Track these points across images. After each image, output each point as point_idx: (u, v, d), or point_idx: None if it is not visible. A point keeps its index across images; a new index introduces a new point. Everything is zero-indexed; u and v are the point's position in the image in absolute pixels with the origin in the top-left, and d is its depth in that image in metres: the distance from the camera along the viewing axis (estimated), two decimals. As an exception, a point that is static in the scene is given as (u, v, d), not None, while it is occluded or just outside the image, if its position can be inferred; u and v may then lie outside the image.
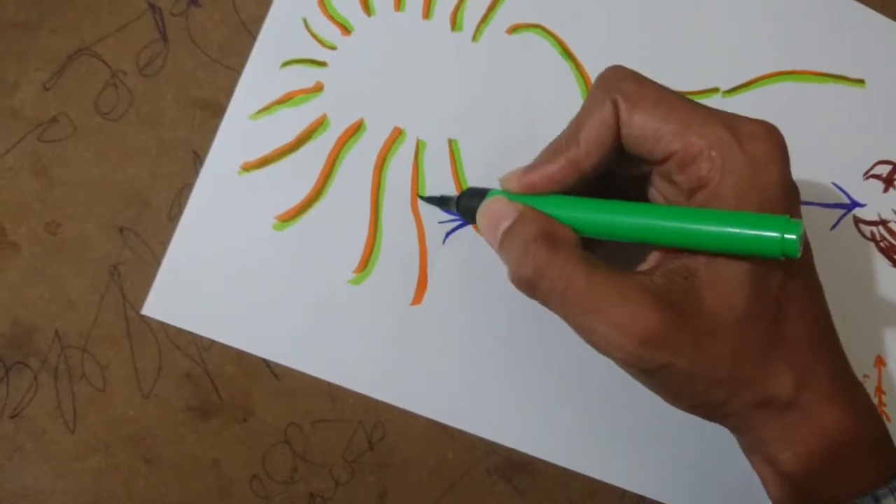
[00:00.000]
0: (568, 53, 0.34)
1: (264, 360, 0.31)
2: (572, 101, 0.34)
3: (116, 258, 0.30)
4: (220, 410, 0.31)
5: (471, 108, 0.33)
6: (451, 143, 0.33)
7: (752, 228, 0.24)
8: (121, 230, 0.31)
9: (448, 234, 0.33)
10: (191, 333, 0.31)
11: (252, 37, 0.32)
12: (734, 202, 0.25)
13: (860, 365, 0.34)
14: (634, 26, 0.35)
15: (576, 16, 0.34)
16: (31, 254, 0.30)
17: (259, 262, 0.31)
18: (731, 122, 0.26)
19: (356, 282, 0.32)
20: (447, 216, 0.33)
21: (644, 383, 0.27)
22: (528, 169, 0.28)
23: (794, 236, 0.23)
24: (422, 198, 0.32)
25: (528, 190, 0.28)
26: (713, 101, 0.35)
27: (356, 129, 0.32)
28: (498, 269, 0.28)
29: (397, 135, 0.33)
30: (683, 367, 0.25)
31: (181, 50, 0.31)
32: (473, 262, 0.32)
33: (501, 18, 0.34)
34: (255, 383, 0.31)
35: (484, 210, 0.28)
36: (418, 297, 0.32)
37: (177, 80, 0.31)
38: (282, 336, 0.31)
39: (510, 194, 0.28)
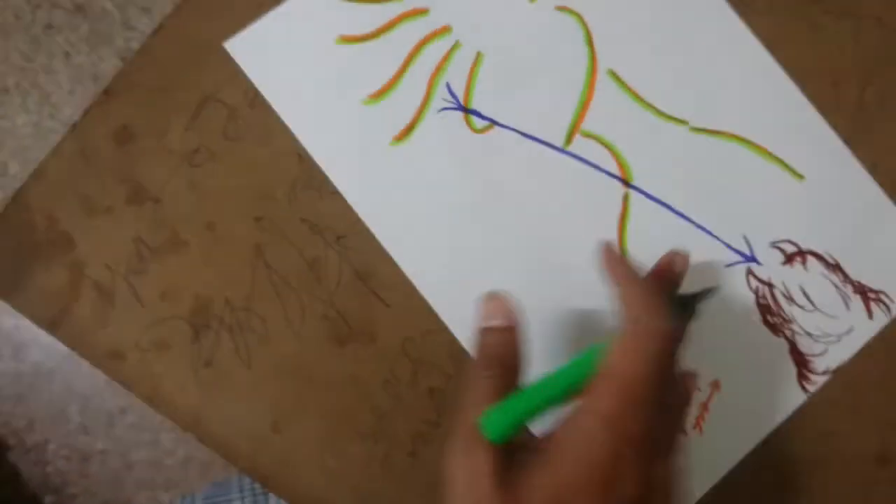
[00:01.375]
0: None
1: (375, 293, 0.41)
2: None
3: (258, 239, 0.41)
4: (351, 338, 0.41)
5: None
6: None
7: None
8: (257, 219, 0.42)
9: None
10: (320, 286, 0.41)
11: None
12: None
13: (700, 380, 0.42)
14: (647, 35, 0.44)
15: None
16: (198, 247, 0.41)
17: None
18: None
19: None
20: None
21: None
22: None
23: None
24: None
25: None
26: (680, 130, 0.43)
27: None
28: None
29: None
30: None
31: (273, 85, 0.43)
32: None
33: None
34: (374, 313, 0.42)
35: (487, 299, 0.37)
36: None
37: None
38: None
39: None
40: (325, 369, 0.41)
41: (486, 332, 0.36)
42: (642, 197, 0.43)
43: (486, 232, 0.42)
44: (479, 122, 0.43)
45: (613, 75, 0.43)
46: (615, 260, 0.38)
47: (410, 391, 0.41)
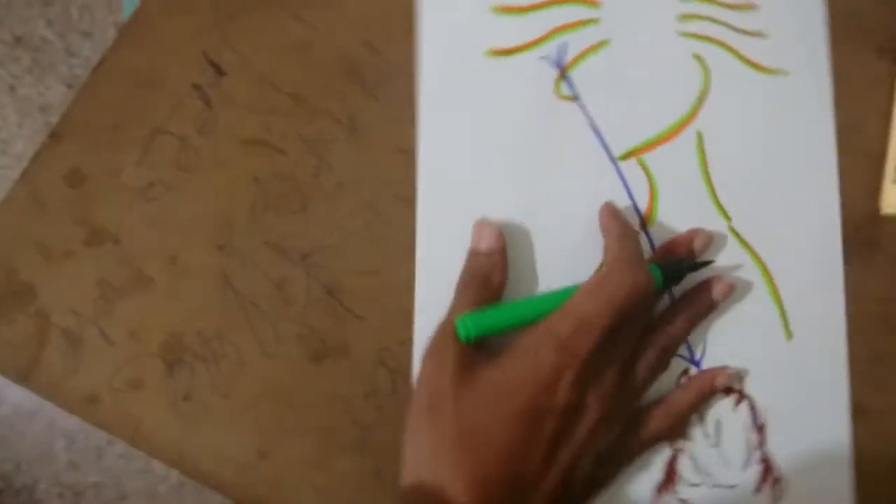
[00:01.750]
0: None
1: (347, 308, 0.42)
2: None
3: (223, 267, 0.41)
4: (327, 354, 0.42)
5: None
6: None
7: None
8: (219, 247, 0.41)
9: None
10: (288, 304, 0.41)
11: (277, 91, 0.43)
12: None
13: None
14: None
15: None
16: (163, 282, 0.41)
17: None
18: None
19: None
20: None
21: None
22: None
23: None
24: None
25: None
26: (720, 224, 0.44)
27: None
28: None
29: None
30: None
31: (224, 109, 0.42)
32: None
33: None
34: (347, 327, 0.42)
35: (478, 225, 0.42)
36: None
37: (226, 130, 0.42)
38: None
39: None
40: (304, 389, 0.41)
41: (472, 255, 0.41)
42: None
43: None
44: (565, 89, 0.44)
45: (699, 137, 0.44)
46: (611, 214, 0.41)
47: (392, 400, 0.42)
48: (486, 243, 0.40)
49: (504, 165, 0.44)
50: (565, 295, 0.38)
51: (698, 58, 0.45)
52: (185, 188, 0.42)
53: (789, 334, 0.43)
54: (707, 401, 0.42)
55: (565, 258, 0.43)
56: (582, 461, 0.37)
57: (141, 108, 0.42)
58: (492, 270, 0.40)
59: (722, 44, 0.46)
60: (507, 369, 0.37)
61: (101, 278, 0.41)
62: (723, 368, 0.42)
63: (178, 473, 0.45)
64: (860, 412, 0.44)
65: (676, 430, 0.41)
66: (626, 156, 0.44)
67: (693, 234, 0.42)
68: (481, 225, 0.41)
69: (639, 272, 0.37)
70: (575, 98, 0.44)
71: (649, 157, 0.45)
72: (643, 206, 0.44)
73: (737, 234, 0.44)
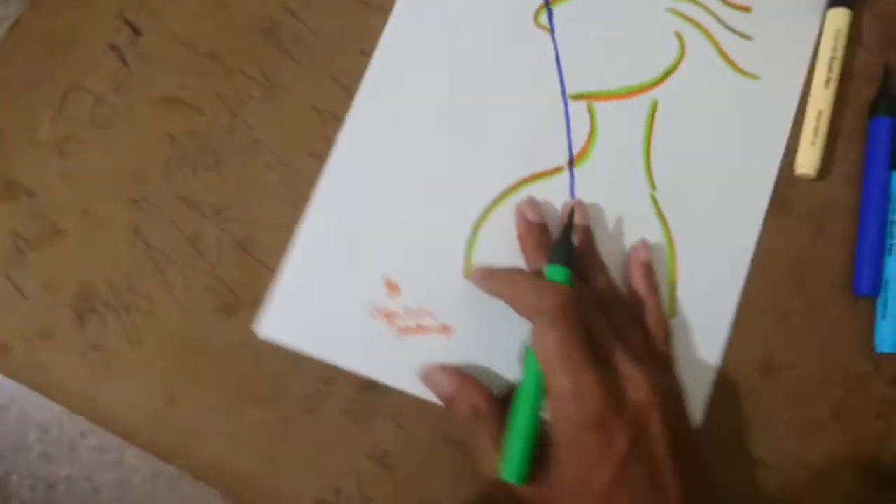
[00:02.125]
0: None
1: (259, 261, 0.42)
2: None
3: (136, 220, 0.42)
4: (238, 307, 0.42)
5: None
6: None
7: (516, 446, 0.38)
8: (133, 201, 0.42)
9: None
10: (202, 259, 0.42)
11: (194, 50, 0.44)
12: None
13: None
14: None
15: None
16: (76, 234, 0.42)
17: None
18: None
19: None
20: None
21: None
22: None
23: (506, 477, 0.37)
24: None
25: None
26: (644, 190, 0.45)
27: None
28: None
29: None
30: None
31: (141, 67, 0.43)
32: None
33: None
34: (259, 280, 0.42)
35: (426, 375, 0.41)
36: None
37: (142, 88, 0.43)
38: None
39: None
40: (215, 340, 0.42)
41: (448, 407, 0.41)
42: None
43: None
44: (544, 19, 0.46)
45: (654, 105, 0.46)
46: (486, 277, 0.42)
47: (301, 354, 0.42)
48: (447, 388, 0.40)
49: (458, 77, 0.45)
50: (534, 384, 0.38)
51: (678, 35, 0.47)
52: (100, 144, 0.43)
53: (673, 312, 0.44)
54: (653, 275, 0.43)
55: (486, 171, 0.44)
56: (682, 444, 0.38)
57: (57, 67, 0.43)
58: (475, 404, 0.40)
59: (706, 32, 0.47)
60: (574, 470, 0.37)
61: (13, 230, 0.41)
62: (636, 246, 0.43)
63: (150, 466, 0.46)
64: (768, 368, 0.45)
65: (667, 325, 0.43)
66: (578, 96, 0.46)
67: (568, 207, 0.43)
68: (433, 373, 0.41)
69: (549, 299, 0.38)
70: (550, 31, 0.46)
71: (599, 106, 0.46)
72: (577, 147, 0.45)
73: (656, 204, 0.45)
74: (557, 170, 0.45)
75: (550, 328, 0.37)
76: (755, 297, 0.45)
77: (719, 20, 0.47)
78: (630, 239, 0.44)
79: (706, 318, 0.44)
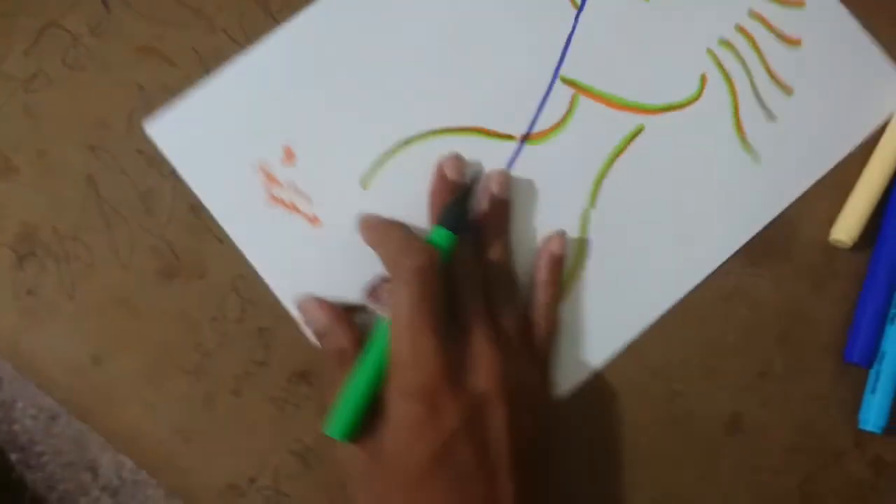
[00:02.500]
0: None
1: (209, 229, 0.40)
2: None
3: (91, 168, 0.41)
4: (180, 272, 0.40)
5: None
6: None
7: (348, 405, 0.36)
8: (91, 148, 0.41)
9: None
10: (152, 218, 0.40)
11: (179, 2, 0.42)
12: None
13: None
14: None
15: None
16: (28, 173, 0.40)
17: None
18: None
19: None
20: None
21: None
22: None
23: (329, 433, 0.36)
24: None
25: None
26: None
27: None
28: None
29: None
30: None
31: (122, 13, 0.42)
32: None
33: None
34: (205, 248, 0.40)
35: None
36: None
37: (120, 35, 0.42)
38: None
39: None
40: (150, 303, 0.40)
41: (318, 338, 0.40)
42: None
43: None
44: None
45: (637, 129, 0.43)
46: (367, 227, 0.40)
47: (238, 329, 0.40)
48: (318, 323, 0.39)
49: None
50: (382, 341, 0.36)
51: (703, 78, 0.44)
52: (68, 85, 0.41)
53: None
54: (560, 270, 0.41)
55: (436, 102, 0.42)
56: (520, 443, 0.35)
57: (38, 1, 0.41)
58: (342, 347, 0.38)
59: (733, 92, 0.44)
60: (392, 441, 0.35)
61: (-34, 160, 0.40)
62: (552, 236, 0.41)
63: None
64: (735, 425, 0.41)
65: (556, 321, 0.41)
66: (569, 81, 0.43)
67: (440, 171, 0.41)
68: (309, 304, 0.39)
69: (411, 258, 0.35)
70: (578, 8, 0.44)
71: (584, 101, 0.43)
72: (539, 126, 0.43)
73: (585, 221, 0.42)
74: (507, 137, 0.42)
75: (403, 286, 0.35)
76: (732, 347, 0.42)
77: (755, 90, 0.44)
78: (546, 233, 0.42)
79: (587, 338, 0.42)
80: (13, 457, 0.41)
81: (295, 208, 0.41)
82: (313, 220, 0.41)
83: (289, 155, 0.41)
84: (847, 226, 0.42)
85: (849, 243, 0.42)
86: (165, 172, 0.41)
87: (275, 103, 0.42)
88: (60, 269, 0.40)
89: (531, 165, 0.42)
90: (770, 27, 0.45)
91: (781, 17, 0.45)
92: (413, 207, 0.41)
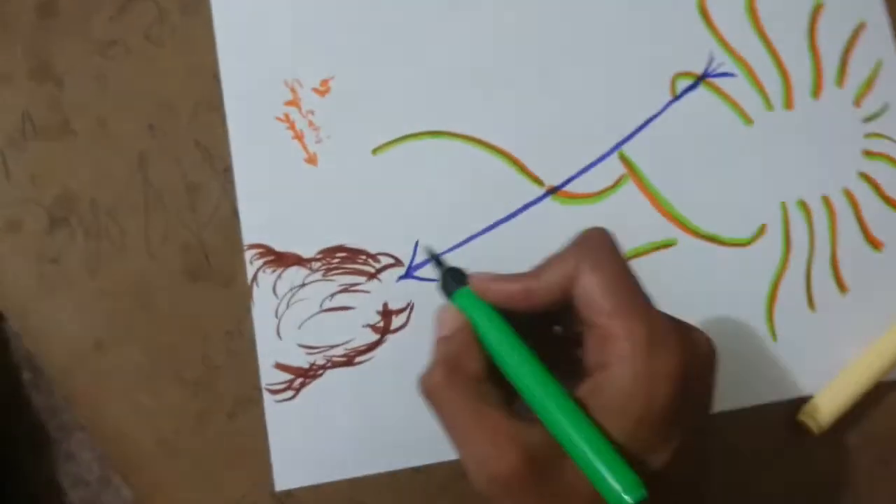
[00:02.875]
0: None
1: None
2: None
3: (145, 148, 0.39)
4: (206, 276, 0.38)
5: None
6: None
7: (604, 466, 0.26)
8: (150, 127, 0.39)
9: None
10: (193, 212, 0.38)
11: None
12: (620, 401, 0.27)
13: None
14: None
15: None
16: (84, 140, 0.39)
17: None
18: (656, 326, 0.27)
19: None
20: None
21: None
22: (495, 279, 0.30)
23: (629, 499, 0.25)
24: (428, 250, 0.35)
25: (485, 297, 0.30)
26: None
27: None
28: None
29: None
30: None
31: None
32: None
33: None
34: (238, 257, 0.38)
35: (438, 312, 0.31)
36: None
37: (209, 20, 0.40)
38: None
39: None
40: (168, 300, 0.38)
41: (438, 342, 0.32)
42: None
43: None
44: (680, 86, 0.41)
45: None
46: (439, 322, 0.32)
47: (250, 351, 0.38)
48: (447, 328, 0.31)
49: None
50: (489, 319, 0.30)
51: (761, 227, 0.40)
52: (144, 60, 0.40)
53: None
54: None
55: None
56: None
57: (137, -32, 0.40)
58: (459, 353, 0.30)
59: (812, 245, 0.40)
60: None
61: (27, 112, 0.39)
62: None
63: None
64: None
65: None
66: (625, 159, 0.40)
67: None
68: (442, 312, 0.32)
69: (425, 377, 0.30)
70: (674, 96, 0.40)
71: (628, 187, 0.40)
72: (572, 188, 0.40)
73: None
74: (537, 181, 0.40)
75: (425, 399, 0.29)
76: None
77: (809, 270, 0.40)
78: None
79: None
80: (25, 375, 0.39)
81: (300, 137, 0.39)
82: (311, 158, 0.39)
83: (324, 86, 0.39)
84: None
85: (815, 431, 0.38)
86: (219, 169, 0.39)
87: (346, 34, 0.40)
88: (89, 243, 0.38)
89: (541, 221, 0.39)
90: (860, 217, 0.41)
91: (875, 209, 0.41)
92: (407, 196, 0.39)
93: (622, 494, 0.25)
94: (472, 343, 0.29)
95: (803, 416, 0.38)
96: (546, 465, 0.27)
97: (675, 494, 0.27)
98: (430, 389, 0.29)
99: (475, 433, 0.27)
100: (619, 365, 0.27)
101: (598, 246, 0.29)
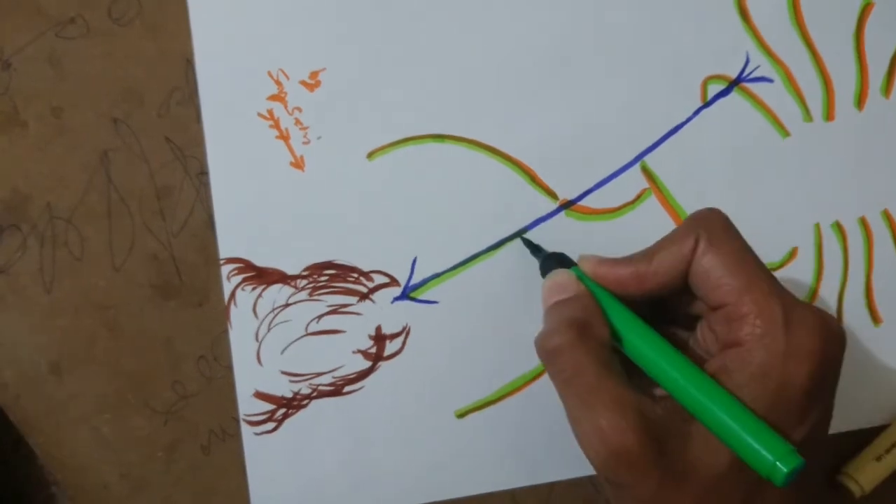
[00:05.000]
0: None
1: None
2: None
3: (108, 145, 0.34)
4: (179, 293, 0.34)
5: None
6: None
7: (752, 437, 0.25)
8: (115, 121, 0.34)
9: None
10: (163, 219, 0.34)
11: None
12: (756, 378, 0.26)
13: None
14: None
15: None
16: (36, 133, 0.34)
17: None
18: (789, 304, 0.27)
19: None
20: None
21: (606, 488, 0.28)
22: (604, 261, 0.30)
23: (784, 469, 0.24)
24: (523, 238, 0.35)
25: (594, 279, 0.30)
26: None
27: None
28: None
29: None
30: (641, 494, 0.26)
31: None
32: None
33: None
34: (214, 272, 0.34)
35: (553, 276, 0.31)
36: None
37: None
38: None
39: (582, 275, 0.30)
40: (135, 320, 0.34)
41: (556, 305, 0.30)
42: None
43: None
44: (711, 90, 0.37)
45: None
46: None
47: (227, 378, 0.34)
48: (567, 292, 0.30)
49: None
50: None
51: (793, 250, 0.37)
52: (108, 41, 0.34)
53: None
54: None
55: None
56: None
57: (99, -67, 0.35)
58: (587, 316, 0.29)
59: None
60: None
61: (-31, 99, 0.34)
62: None
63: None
64: None
65: None
66: (647, 171, 0.36)
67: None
68: (558, 276, 0.31)
69: (541, 341, 0.29)
70: (704, 103, 0.36)
71: (650, 203, 0.36)
72: (588, 202, 0.36)
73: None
74: (550, 194, 0.36)
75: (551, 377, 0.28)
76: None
77: (842, 296, 0.37)
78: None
79: None
80: None
81: (285, 137, 0.34)
82: (298, 162, 0.35)
83: (314, 79, 0.35)
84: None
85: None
86: (193, 172, 0.34)
87: (341, 19, 0.35)
88: (44, 253, 0.34)
89: (554, 237, 0.35)
90: None
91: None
92: (405, 207, 0.35)
93: (777, 463, 0.24)
94: (597, 308, 0.29)
95: (844, 479, 0.36)
96: (669, 441, 0.26)
97: (807, 474, 0.26)
98: (556, 349, 0.28)
99: (599, 400, 0.26)
100: (754, 342, 0.26)
101: (714, 224, 0.29)
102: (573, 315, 0.28)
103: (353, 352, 0.34)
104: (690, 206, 0.36)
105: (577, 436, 0.26)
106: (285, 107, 0.35)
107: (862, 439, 0.37)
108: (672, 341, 0.28)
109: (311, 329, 0.34)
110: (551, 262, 0.32)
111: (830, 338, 0.27)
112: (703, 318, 0.29)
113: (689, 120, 0.36)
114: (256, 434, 0.34)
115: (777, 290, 0.27)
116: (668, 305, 0.30)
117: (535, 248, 0.34)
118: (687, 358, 0.27)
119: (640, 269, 0.29)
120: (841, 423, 0.37)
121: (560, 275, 0.30)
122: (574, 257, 0.33)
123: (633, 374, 0.28)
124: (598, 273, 0.30)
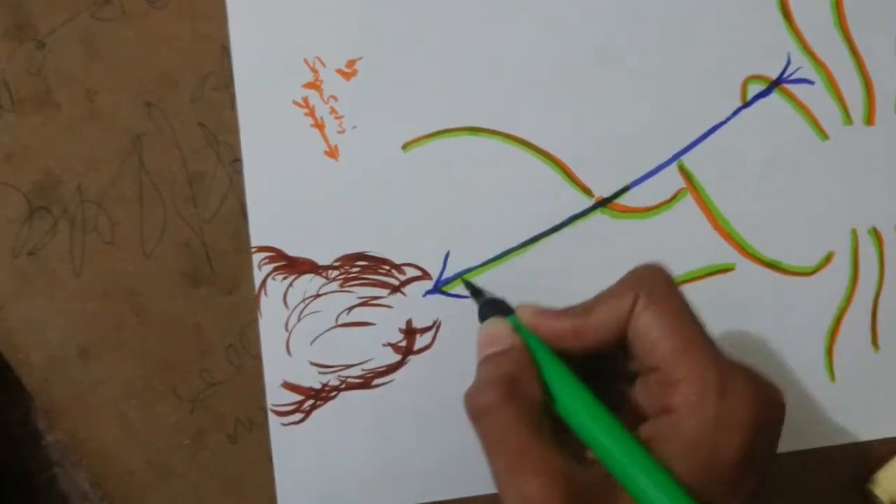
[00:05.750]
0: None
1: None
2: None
3: (140, 129, 0.34)
4: (208, 280, 0.34)
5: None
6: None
7: None
8: (148, 105, 0.34)
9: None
10: (194, 206, 0.34)
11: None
12: (686, 451, 0.25)
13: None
14: None
15: None
16: (69, 114, 0.34)
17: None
18: (724, 370, 0.26)
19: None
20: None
21: None
22: (542, 313, 0.28)
23: None
24: (464, 280, 0.34)
25: (531, 330, 0.28)
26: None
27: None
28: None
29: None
30: None
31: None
32: None
33: None
34: (245, 260, 0.34)
35: (487, 326, 0.29)
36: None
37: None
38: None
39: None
40: (164, 306, 0.34)
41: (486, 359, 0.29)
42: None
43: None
44: (751, 91, 0.36)
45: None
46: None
47: (255, 366, 0.34)
48: (499, 345, 0.29)
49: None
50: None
51: (829, 254, 0.37)
52: (144, 24, 0.34)
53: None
54: None
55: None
56: None
57: (136, -88, 0.34)
58: (517, 373, 0.27)
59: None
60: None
61: (2, 78, 0.34)
62: None
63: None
64: None
65: None
66: (684, 171, 0.36)
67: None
68: (492, 327, 0.29)
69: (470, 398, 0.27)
70: (744, 103, 0.36)
71: (686, 202, 0.36)
72: (624, 201, 0.36)
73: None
74: (586, 191, 0.36)
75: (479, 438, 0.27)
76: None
77: (877, 303, 0.37)
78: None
79: None
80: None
81: (320, 126, 0.34)
82: (332, 151, 0.34)
83: (350, 67, 0.34)
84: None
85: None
86: (226, 159, 0.34)
87: (379, 8, 0.34)
88: (74, 236, 0.34)
89: (589, 236, 0.35)
90: None
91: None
92: (439, 200, 0.35)
93: None
94: (530, 364, 0.27)
95: (873, 487, 0.35)
96: None
97: None
98: (482, 409, 0.26)
99: (527, 465, 0.25)
100: (686, 411, 0.25)
101: (655, 281, 0.27)
102: (503, 371, 0.27)
103: (383, 345, 0.34)
104: (727, 206, 0.36)
105: (502, 501, 0.25)
106: (321, 95, 0.34)
107: (891, 447, 0.37)
108: (611, 397, 0.27)
109: (341, 320, 0.34)
110: (489, 308, 0.30)
111: (765, 405, 0.26)
112: (641, 378, 0.28)
113: (727, 120, 0.36)
114: (284, 425, 0.34)
115: (713, 356, 0.26)
116: (609, 359, 0.29)
117: (475, 291, 0.32)
118: (619, 422, 0.26)
119: (578, 324, 0.28)
120: (869, 431, 0.36)
121: (495, 325, 0.29)
122: (609, 258, 0.32)
123: (564, 432, 0.27)
124: (536, 324, 0.28)
